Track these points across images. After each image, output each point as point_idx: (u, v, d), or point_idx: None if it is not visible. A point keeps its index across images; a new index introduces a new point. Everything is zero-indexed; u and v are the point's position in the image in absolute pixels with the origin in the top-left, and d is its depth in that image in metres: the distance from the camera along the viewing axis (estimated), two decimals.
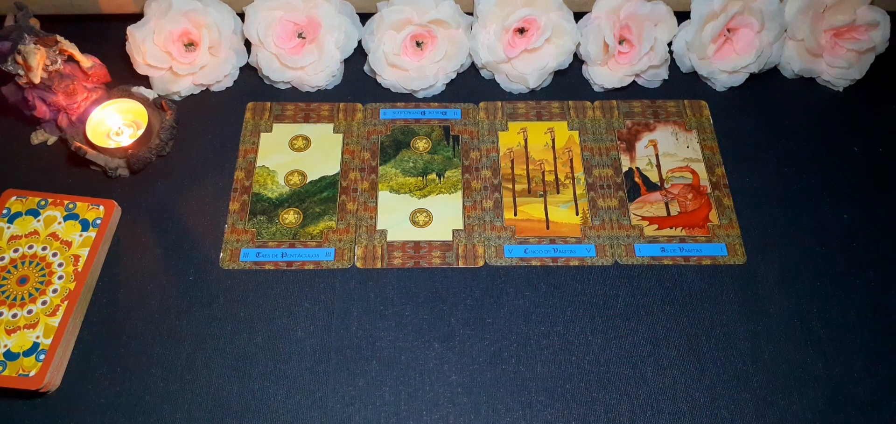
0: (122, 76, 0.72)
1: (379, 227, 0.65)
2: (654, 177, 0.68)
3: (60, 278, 0.59)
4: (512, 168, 0.69)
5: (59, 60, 0.65)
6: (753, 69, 0.73)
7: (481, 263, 0.63)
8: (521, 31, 0.72)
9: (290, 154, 0.69)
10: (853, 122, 0.73)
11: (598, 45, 0.72)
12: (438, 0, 0.71)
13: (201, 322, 0.59)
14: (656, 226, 0.65)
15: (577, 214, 0.66)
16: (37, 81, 0.63)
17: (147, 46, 0.70)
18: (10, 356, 0.55)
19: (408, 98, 0.74)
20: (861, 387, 0.57)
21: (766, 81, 0.76)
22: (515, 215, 0.66)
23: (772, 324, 0.60)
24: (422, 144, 0.70)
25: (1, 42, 0.62)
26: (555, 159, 0.70)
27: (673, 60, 0.76)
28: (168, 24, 0.70)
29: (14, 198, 0.63)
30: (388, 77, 0.73)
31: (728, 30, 0.73)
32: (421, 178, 0.68)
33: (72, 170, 0.68)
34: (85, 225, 0.62)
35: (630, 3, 0.71)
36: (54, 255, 0.60)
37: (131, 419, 0.55)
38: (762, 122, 0.73)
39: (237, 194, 0.67)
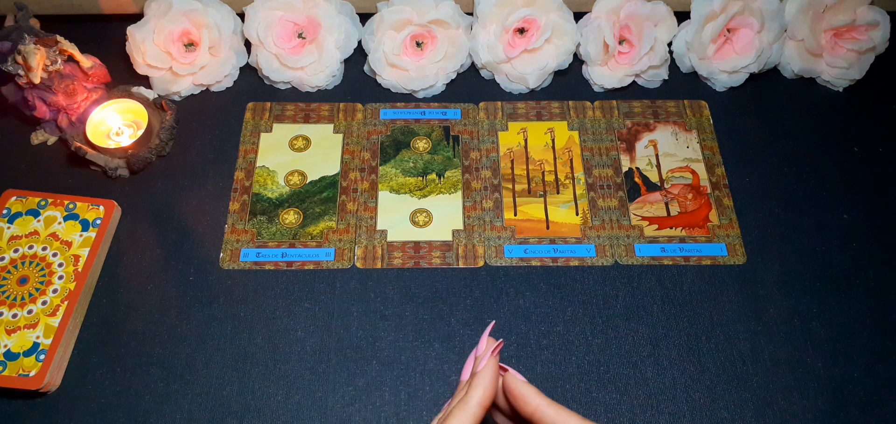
0: (122, 76, 0.72)
1: (379, 227, 0.65)
2: (654, 177, 0.68)
3: (60, 278, 0.59)
4: (512, 168, 0.69)
5: (59, 60, 0.65)
6: (753, 69, 0.73)
7: (481, 263, 0.63)
8: (521, 31, 0.72)
9: (290, 154, 0.69)
10: (853, 122, 0.73)
11: (598, 45, 0.72)
12: (438, 0, 0.71)
13: (201, 322, 0.59)
14: (656, 226, 0.65)
15: (577, 214, 0.66)
16: (37, 81, 0.63)
17: (147, 46, 0.70)
18: (11, 356, 0.55)
19: (408, 98, 0.74)
20: (861, 387, 0.57)
21: (766, 81, 0.76)
22: (515, 215, 0.66)
23: (772, 324, 0.60)
24: (422, 144, 0.70)
25: (1, 42, 0.62)
26: (555, 159, 0.70)
27: (673, 60, 0.76)
28: (168, 24, 0.70)
29: (14, 198, 0.63)
30: (388, 77, 0.73)
31: (728, 30, 0.73)
32: (421, 178, 0.68)
33: (72, 170, 0.68)
34: (85, 225, 0.62)
35: (630, 3, 0.71)
36: (54, 255, 0.60)
37: (131, 419, 0.55)
38: (762, 122, 0.73)
39: (237, 194, 0.67)
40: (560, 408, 0.39)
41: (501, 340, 0.42)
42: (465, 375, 0.42)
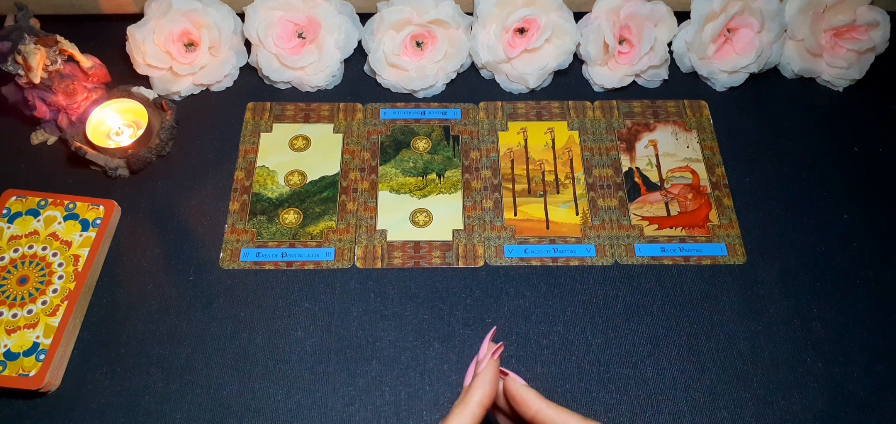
0: (122, 76, 0.72)
1: (379, 227, 0.65)
2: (654, 177, 0.68)
3: (60, 278, 0.59)
4: (512, 168, 0.69)
5: (59, 60, 0.65)
6: (753, 69, 0.73)
7: (481, 263, 0.63)
8: (521, 31, 0.72)
9: (290, 154, 0.69)
10: (853, 122, 0.73)
11: (598, 45, 0.72)
12: (438, 0, 0.71)
13: (201, 322, 0.59)
14: (656, 226, 0.65)
15: (577, 214, 0.66)
16: (37, 81, 0.63)
17: (147, 46, 0.70)
18: (10, 356, 0.55)
19: (408, 98, 0.74)
20: (861, 387, 0.57)
21: (766, 81, 0.76)
22: (515, 215, 0.66)
23: (772, 324, 0.60)
24: (422, 144, 0.70)
25: (1, 42, 0.62)
26: (555, 158, 0.70)
27: (673, 60, 0.76)
28: (168, 24, 0.70)
29: (14, 198, 0.63)
30: (388, 77, 0.73)
31: (728, 30, 0.73)
32: (421, 178, 0.68)
33: (72, 170, 0.68)
34: (85, 225, 0.62)
35: (630, 3, 0.71)
36: (54, 255, 0.60)
37: (131, 419, 0.55)
38: (762, 122, 0.73)
39: (237, 194, 0.67)
40: (560, 409, 0.40)
41: (501, 343, 0.43)
42: (468, 380, 0.43)
